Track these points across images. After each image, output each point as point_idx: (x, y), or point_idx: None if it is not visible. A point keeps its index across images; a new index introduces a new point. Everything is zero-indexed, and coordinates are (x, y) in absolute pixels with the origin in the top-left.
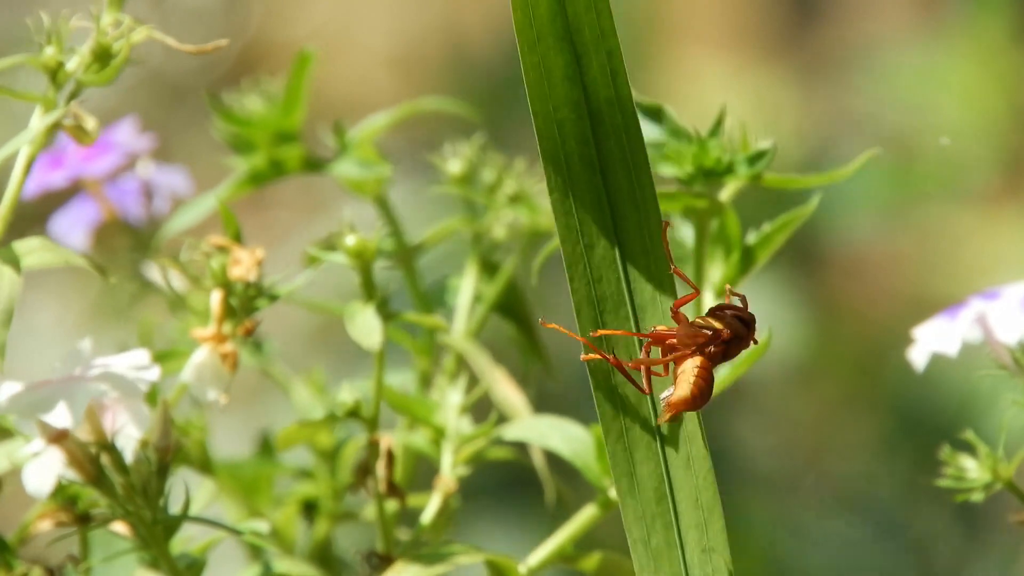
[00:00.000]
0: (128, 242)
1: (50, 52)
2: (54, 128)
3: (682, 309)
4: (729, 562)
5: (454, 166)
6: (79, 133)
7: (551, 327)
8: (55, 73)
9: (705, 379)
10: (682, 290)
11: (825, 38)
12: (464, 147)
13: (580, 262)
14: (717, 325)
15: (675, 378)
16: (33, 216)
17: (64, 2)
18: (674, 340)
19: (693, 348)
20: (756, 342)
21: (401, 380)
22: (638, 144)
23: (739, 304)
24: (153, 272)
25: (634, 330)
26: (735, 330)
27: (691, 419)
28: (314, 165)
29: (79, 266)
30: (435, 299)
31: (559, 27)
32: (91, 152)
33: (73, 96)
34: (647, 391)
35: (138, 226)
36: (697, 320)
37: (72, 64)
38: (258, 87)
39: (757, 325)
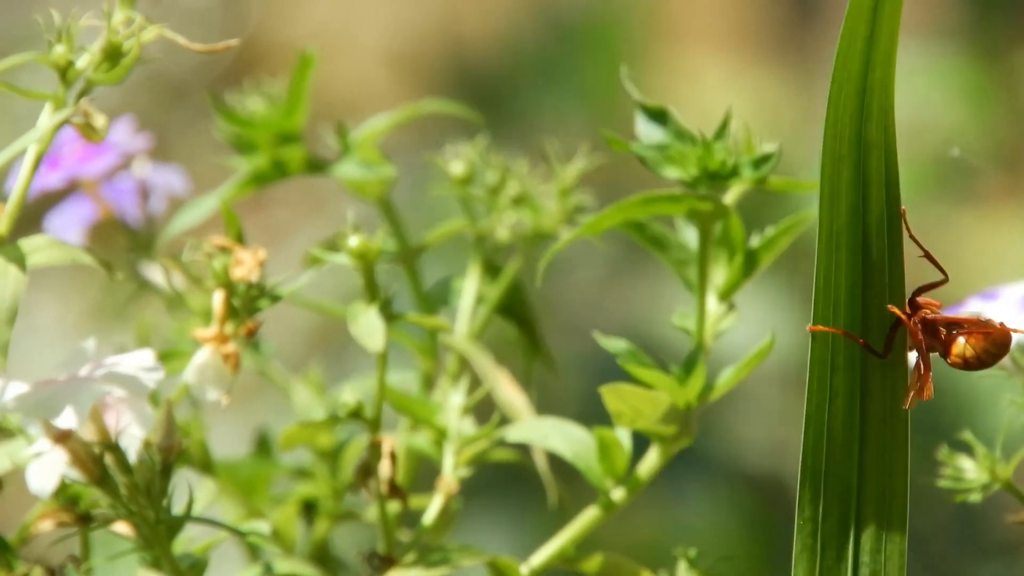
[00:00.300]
0: (125, 242)
1: (60, 50)
2: (62, 126)
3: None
4: (904, 552)
5: (456, 167)
6: (88, 131)
7: (819, 329)
8: (65, 71)
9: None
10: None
11: (825, 38)
12: (466, 148)
13: (832, 232)
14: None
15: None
16: (29, 218)
17: (65, 2)
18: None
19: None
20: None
21: (403, 380)
22: (891, 126)
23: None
24: (151, 272)
25: (859, 309)
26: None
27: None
28: (316, 166)
29: (84, 264)
30: (437, 300)
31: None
32: (87, 152)
33: (83, 94)
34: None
35: (135, 226)
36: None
37: (82, 62)
38: (259, 88)
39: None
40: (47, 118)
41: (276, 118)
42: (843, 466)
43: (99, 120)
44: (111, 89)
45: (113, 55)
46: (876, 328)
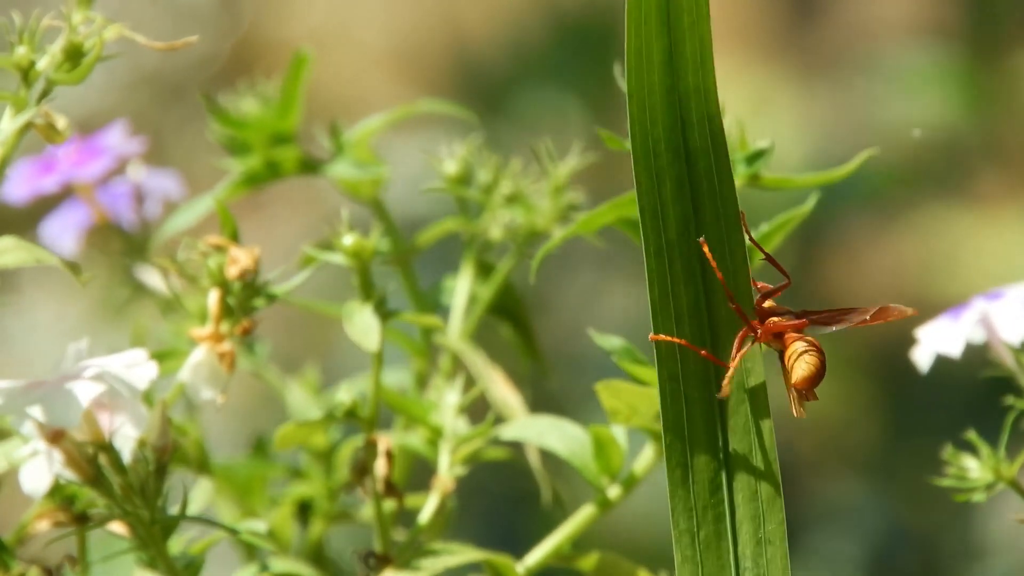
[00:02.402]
0: (120, 246)
1: (22, 51)
2: (26, 128)
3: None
4: (787, 554)
5: (449, 166)
6: (50, 132)
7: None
8: (27, 72)
9: (821, 352)
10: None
11: (825, 38)
12: (460, 147)
13: (661, 246)
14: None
15: (790, 363)
16: (26, 223)
17: (27, 3)
18: (783, 327)
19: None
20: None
21: (396, 380)
22: (719, 132)
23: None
24: (146, 275)
25: (706, 317)
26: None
27: (759, 410)
28: (310, 167)
29: (53, 265)
30: (431, 300)
31: (663, 10)
32: (82, 156)
33: (44, 95)
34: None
35: (130, 230)
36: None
37: (43, 63)
38: (253, 88)
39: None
40: (8, 121)
41: (269, 119)
42: (709, 471)
43: (60, 121)
44: (109, 89)
45: (74, 55)
46: (726, 336)
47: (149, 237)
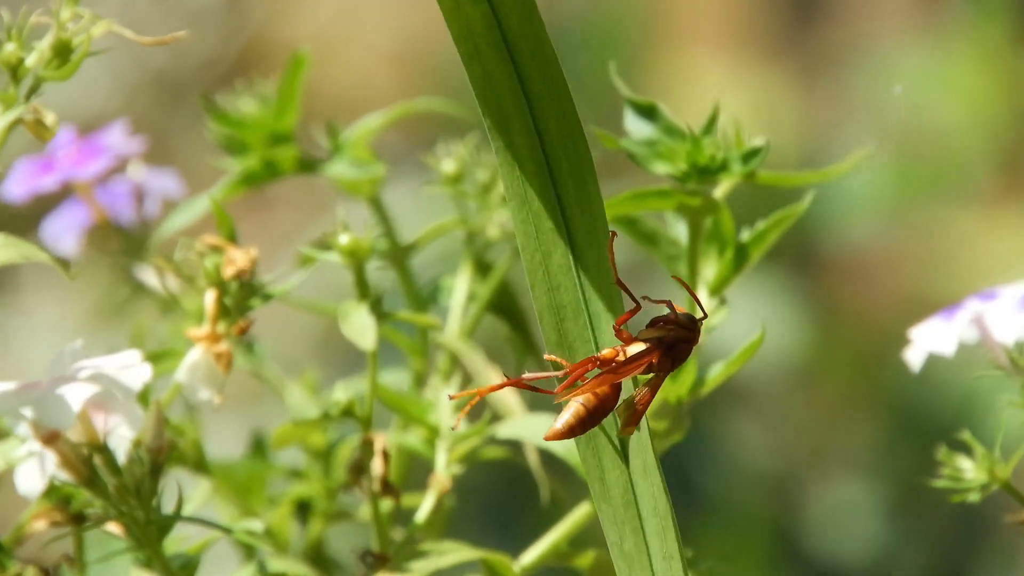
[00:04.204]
0: (120, 245)
1: (10, 48)
2: (14, 125)
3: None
4: (685, 570)
5: (447, 166)
6: (39, 128)
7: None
8: (15, 69)
9: (587, 407)
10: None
11: (825, 38)
12: (458, 146)
13: (539, 269)
14: (656, 334)
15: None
16: (26, 222)
17: (15, 0)
18: (616, 363)
19: (633, 366)
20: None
21: (395, 379)
22: (584, 153)
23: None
24: (145, 275)
25: (591, 339)
26: (676, 336)
27: (643, 428)
28: (308, 166)
29: (45, 262)
30: (429, 299)
31: (497, 38)
32: (81, 155)
33: (33, 91)
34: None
35: (130, 229)
36: (640, 334)
37: (31, 60)
38: (252, 88)
39: (699, 325)
40: None
41: (267, 119)
42: (619, 487)
43: (49, 118)
44: (114, 90)
45: (62, 51)
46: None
47: (149, 236)
